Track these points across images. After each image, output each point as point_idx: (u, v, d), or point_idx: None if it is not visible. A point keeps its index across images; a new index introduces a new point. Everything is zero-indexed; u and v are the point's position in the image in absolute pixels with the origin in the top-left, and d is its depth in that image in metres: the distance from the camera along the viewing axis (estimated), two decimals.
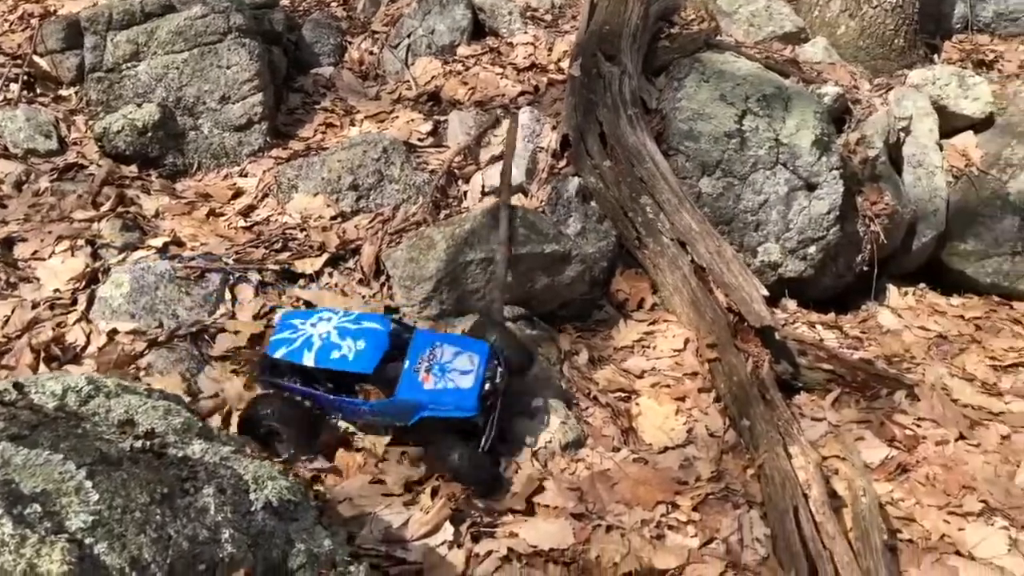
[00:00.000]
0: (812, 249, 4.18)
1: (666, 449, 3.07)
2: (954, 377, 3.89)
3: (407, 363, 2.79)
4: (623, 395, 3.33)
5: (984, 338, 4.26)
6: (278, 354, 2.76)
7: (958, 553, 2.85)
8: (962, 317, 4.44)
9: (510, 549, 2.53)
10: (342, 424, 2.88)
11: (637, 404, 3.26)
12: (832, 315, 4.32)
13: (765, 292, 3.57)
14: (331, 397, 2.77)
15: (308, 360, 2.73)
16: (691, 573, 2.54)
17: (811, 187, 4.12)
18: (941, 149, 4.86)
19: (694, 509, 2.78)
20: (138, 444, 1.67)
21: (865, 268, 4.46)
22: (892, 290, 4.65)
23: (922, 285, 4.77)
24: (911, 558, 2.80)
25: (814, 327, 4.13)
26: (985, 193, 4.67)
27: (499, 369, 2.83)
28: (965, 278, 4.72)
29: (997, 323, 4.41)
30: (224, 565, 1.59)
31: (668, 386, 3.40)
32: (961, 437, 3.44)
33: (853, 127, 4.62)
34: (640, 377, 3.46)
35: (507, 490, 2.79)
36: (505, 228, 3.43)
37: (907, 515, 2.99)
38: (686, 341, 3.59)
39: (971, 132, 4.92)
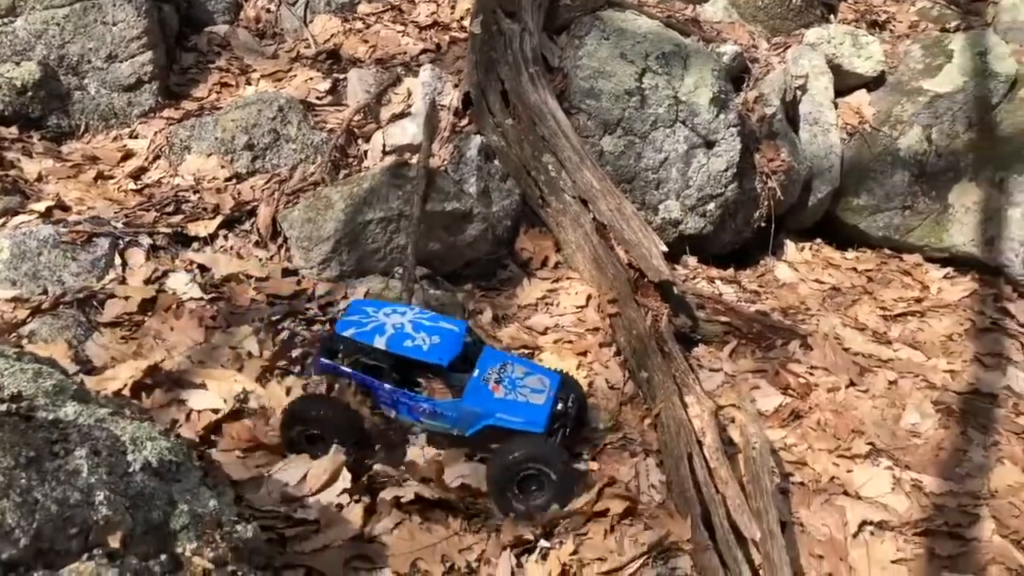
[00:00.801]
0: (711, 206, 4.26)
1: None
2: (846, 327, 4.03)
3: (476, 372, 2.71)
4: (527, 352, 3.35)
5: (875, 289, 4.42)
6: (347, 333, 2.64)
7: (846, 493, 2.98)
8: (855, 270, 4.60)
9: (409, 502, 2.53)
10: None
11: (540, 360, 3.29)
12: (731, 270, 4.43)
13: (664, 248, 3.62)
14: (393, 389, 2.64)
15: (380, 343, 2.61)
16: (598, 508, 2.59)
17: (710, 145, 4.19)
18: (836, 107, 4.99)
19: (593, 459, 2.83)
20: (3, 408, 1.59)
21: (763, 224, 4.56)
22: (790, 245, 4.79)
23: (818, 240, 4.92)
24: (802, 499, 2.91)
25: (714, 282, 4.22)
26: (877, 150, 4.82)
27: (572, 396, 2.78)
28: (859, 232, 4.88)
29: (888, 275, 4.58)
30: (99, 527, 1.55)
31: (570, 342, 3.44)
32: (851, 384, 3.58)
33: (751, 86, 4.71)
34: (543, 334, 3.48)
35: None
36: (422, 187, 3.40)
37: (799, 459, 3.10)
38: (588, 297, 3.63)
39: (864, 90, 5.07)
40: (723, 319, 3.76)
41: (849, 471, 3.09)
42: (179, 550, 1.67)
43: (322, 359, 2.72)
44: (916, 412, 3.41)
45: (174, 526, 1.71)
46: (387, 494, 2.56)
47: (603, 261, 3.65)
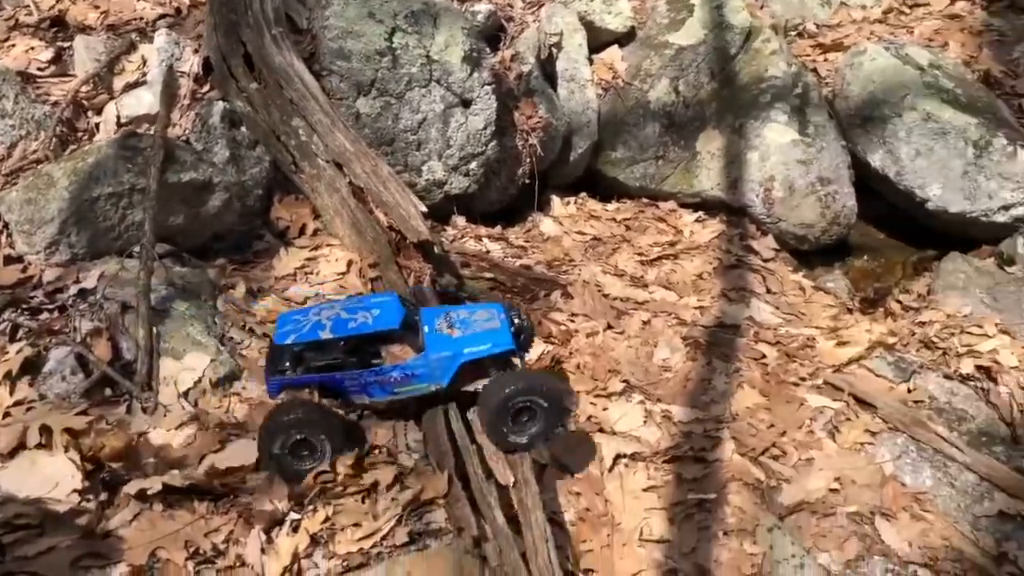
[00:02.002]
0: (473, 165, 4.28)
1: None
2: (606, 274, 4.20)
3: (426, 328, 2.69)
4: None
5: (633, 237, 4.63)
6: (289, 341, 2.56)
7: (602, 430, 3.10)
8: (615, 220, 4.79)
9: (155, 492, 2.39)
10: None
11: None
12: (499, 228, 4.49)
13: (424, 208, 3.60)
14: (359, 373, 2.58)
15: (326, 334, 2.56)
16: (368, 479, 2.54)
17: (466, 103, 4.20)
18: (591, 63, 5.14)
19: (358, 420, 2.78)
20: None
21: (527, 181, 4.65)
22: (555, 200, 4.91)
23: (583, 193, 5.07)
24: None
25: (481, 240, 4.26)
26: (630, 103, 5.02)
27: (517, 312, 2.85)
28: (618, 184, 5.08)
29: (644, 222, 4.81)
30: None
31: None
32: (609, 327, 3.73)
33: (507, 44, 4.76)
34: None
35: None
36: (158, 158, 3.17)
37: None
38: (349, 263, 3.56)
39: (616, 46, 5.25)
40: (488, 275, 3.81)
41: (605, 409, 3.22)
42: None
43: (273, 379, 2.60)
44: (667, 348, 3.61)
45: None
46: (131, 487, 2.41)
47: (362, 225, 3.58)
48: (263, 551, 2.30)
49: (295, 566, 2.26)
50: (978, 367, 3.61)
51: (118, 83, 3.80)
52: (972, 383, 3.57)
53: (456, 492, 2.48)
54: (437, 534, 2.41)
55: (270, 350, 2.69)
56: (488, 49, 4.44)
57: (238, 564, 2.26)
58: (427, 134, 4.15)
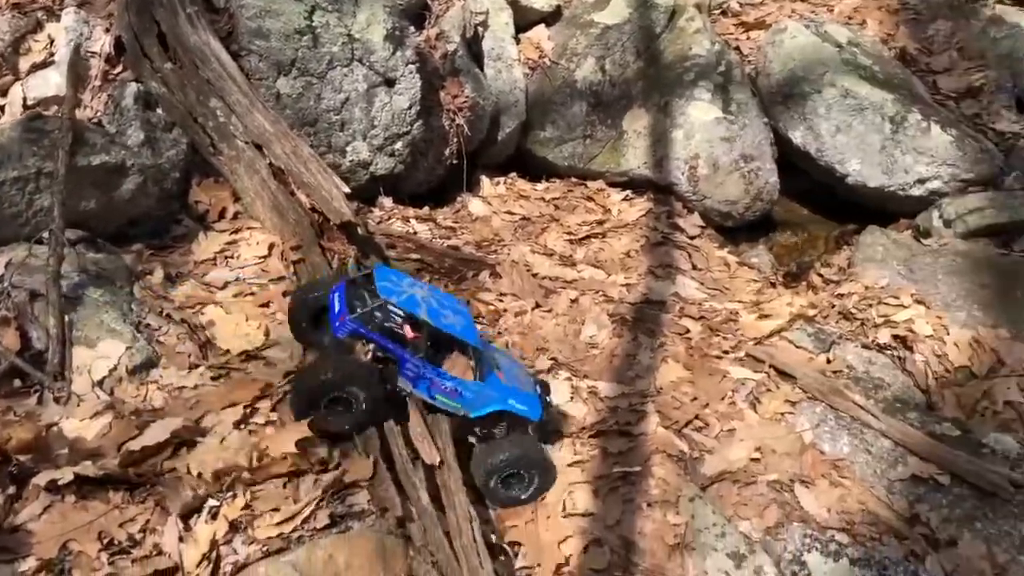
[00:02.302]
0: (399, 145, 4.24)
1: (247, 356, 2.98)
2: (535, 254, 4.21)
3: (483, 356, 2.78)
4: (202, 309, 3.17)
5: (562, 216, 4.65)
6: (393, 299, 2.58)
7: None
8: (543, 199, 4.80)
9: (66, 483, 2.32)
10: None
11: (217, 316, 3.13)
12: (427, 209, 4.46)
13: (347, 189, 3.55)
14: (424, 363, 2.60)
15: (422, 314, 2.59)
16: (280, 468, 2.50)
17: (390, 83, 4.15)
18: (518, 42, 5.13)
19: (273, 409, 2.74)
20: None
21: (455, 161, 4.62)
22: (485, 180, 4.89)
23: (512, 174, 5.05)
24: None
25: (408, 221, 4.23)
26: (557, 82, 5.02)
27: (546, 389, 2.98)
28: (548, 163, 5.08)
29: (573, 202, 4.83)
30: None
31: (253, 294, 3.30)
32: (537, 306, 3.75)
33: (432, 23, 4.71)
34: (223, 288, 3.31)
35: None
36: (67, 141, 3.07)
37: None
38: (271, 246, 3.50)
39: (543, 25, 5.24)
40: (414, 256, 3.79)
41: None
42: None
43: (351, 320, 2.56)
44: (594, 325, 3.64)
45: None
46: (40, 479, 2.34)
47: (284, 207, 3.52)
48: (181, 539, 2.25)
49: (213, 553, 2.22)
50: (895, 336, 3.73)
51: (24, 64, 3.64)
52: (889, 352, 3.69)
53: (380, 473, 2.47)
54: (360, 516, 2.40)
55: (346, 291, 2.67)
56: (412, 27, 4.37)
57: (154, 553, 2.21)
58: (351, 114, 4.09)
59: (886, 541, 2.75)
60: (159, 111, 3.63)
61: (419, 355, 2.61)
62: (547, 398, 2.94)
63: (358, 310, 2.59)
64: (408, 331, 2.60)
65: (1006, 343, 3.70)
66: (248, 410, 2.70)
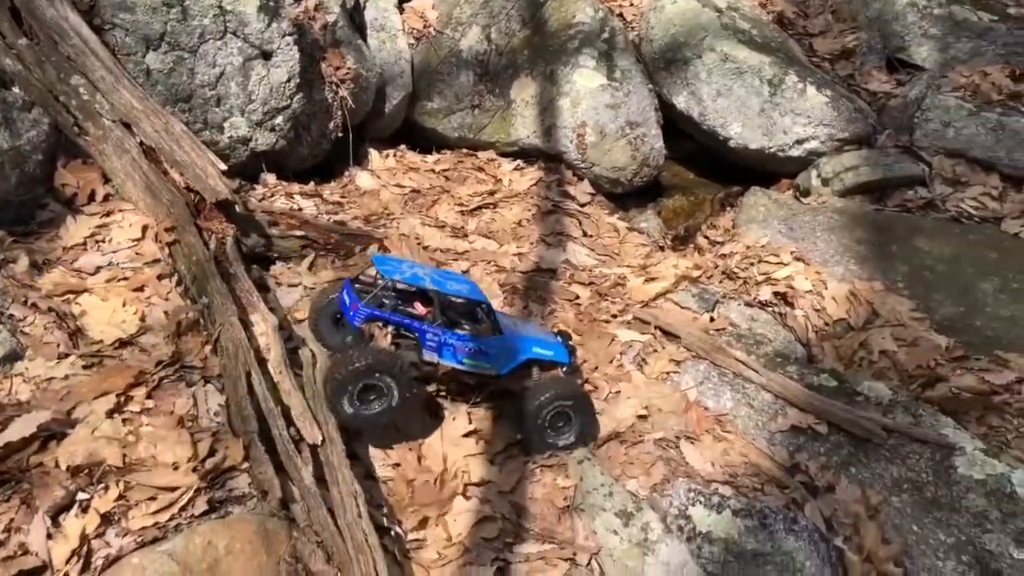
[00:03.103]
0: (279, 119, 4.12)
1: (121, 343, 2.87)
2: (426, 226, 4.17)
3: (496, 314, 2.89)
4: (73, 296, 3.03)
5: (453, 188, 4.61)
6: (396, 276, 2.72)
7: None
8: (434, 171, 4.75)
9: None
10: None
11: (88, 303, 2.99)
12: (312, 184, 4.36)
13: (223, 166, 3.45)
14: (443, 330, 2.72)
15: (428, 285, 2.72)
16: (145, 453, 2.42)
17: (267, 56, 4.02)
18: (401, 12, 5.05)
19: (148, 396, 2.64)
20: None
21: (340, 134, 4.52)
22: (373, 154, 4.81)
23: (402, 146, 4.99)
24: None
25: (293, 197, 4.13)
26: (443, 52, 4.97)
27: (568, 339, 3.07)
28: (437, 135, 5.04)
29: (464, 173, 4.80)
30: None
31: (126, 278, 3.17)
32: None
33: None
34: (94, 274, 3.17)
35: None
36: None
37: None
38: (144, 228, 3.36)
39: None
40: (299, 233, 3.69)
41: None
42: None
43: (364, 307, 2.68)
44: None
45: None
46: None
47: (157, 187, 3.39)
48: (49, 536, 2.16)
49: (84, 548, 2.13)
50: (775, 293, 3.85)
51: None
52: (770, 309, 3.80)
53: (259, 456, 2.42)
54: (241, 500, 2.35)
55: (351, 283, 2.81)
56: None
57: (19, 553, 2.11)
58: (227, 89, 3.95)
59: (768, 491, 2.84)
60: (16, 90, 3.42)
61: (436, 323, 2.73)
62: (569, 344, 3.04)
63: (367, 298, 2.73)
64: (419, 307, 2.79)
65: (880, 295, 3.86)
66: (122, 398, 2.60)
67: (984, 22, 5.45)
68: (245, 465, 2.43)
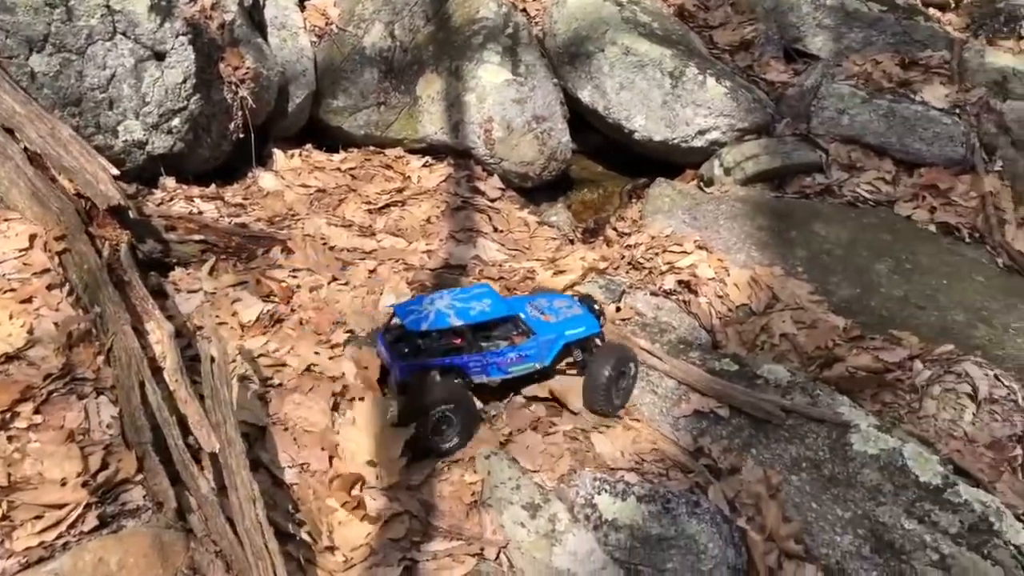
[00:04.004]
0: (176, 121, 4.02)
1: (7, 357, 2.75)
2: (332, 226, 4.12)
3: (523, 315, 3.04)
4: None
5: (360, 186, 4.57)
6: (423, 326, 2.81)
7: (333, 379, 3.04)
8: (340, 170, 4.70)
9: None
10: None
11: None
12: (214, 187, 4.27)
13: (115, 171, 3.33)
14: (483, 355, 2.88)
15: (455, 321, 2.84)
16: (32, 470, 2.33)
17: (160, 56, 3.92)
18: (303, 9, 4.98)
19: (36, 411, 2.55)
20: None
21: (242, 135, 4.44)
22: (278, 154, 4.74)
23: (308, 146, 4.93)
24: (280, 400, 2.92)
25: (193, 201, 4.03)
26: (346, 49, 4.92)
27: (591, 301, 3.29)
28: (343, 133, 4.98)
29: (371, 171, 4.76)
30: None
31: (13, 290, 3.04)
32: (334, 279, 3.67)
33: None
34: None
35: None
36: None
37: (278, 362, 3.11)
38: (32, 237, 3.22)
39: None
40: (197, 237, 3.61)
41: (331, 358, 3.17)
42: None
43: (404, 363, 2.84)
44: (392, 294, 3.60)
45: None
46: None
47: (45, 195, 3.25)
48: None
49: None
50: (679, 282, 3.92)
51: None
52: (675, 297, 3.88)
53: (154, 467, 2.36)
54: (135, 513, 2.28)
55: (384, 340, 2.96)
56: None
57: None
58: (119, 91, 3.84)
59: (672, 476, 2.89)
60: None
61: (474, 351, 2.88)
62: (595, 306, 3.25)
63: (404, 350, 2.90)
64: (453, 337, 2.91)
65: (780, 279, 3.97)
66: (7, 415, 2.50)
67: (874, 12, 5.65)
68: (139, 477, 2.36)
